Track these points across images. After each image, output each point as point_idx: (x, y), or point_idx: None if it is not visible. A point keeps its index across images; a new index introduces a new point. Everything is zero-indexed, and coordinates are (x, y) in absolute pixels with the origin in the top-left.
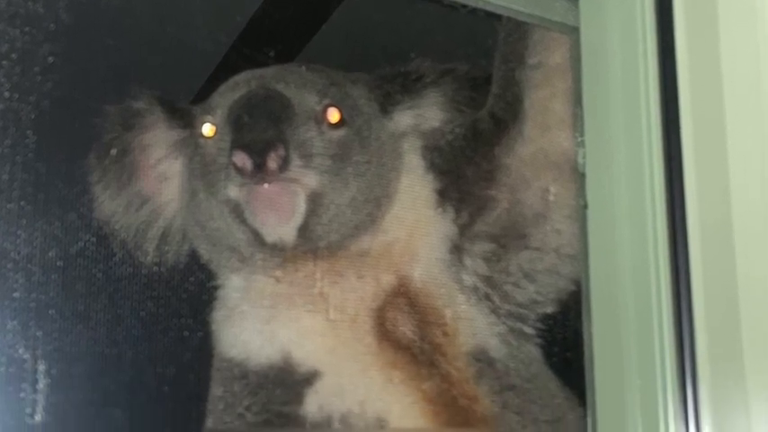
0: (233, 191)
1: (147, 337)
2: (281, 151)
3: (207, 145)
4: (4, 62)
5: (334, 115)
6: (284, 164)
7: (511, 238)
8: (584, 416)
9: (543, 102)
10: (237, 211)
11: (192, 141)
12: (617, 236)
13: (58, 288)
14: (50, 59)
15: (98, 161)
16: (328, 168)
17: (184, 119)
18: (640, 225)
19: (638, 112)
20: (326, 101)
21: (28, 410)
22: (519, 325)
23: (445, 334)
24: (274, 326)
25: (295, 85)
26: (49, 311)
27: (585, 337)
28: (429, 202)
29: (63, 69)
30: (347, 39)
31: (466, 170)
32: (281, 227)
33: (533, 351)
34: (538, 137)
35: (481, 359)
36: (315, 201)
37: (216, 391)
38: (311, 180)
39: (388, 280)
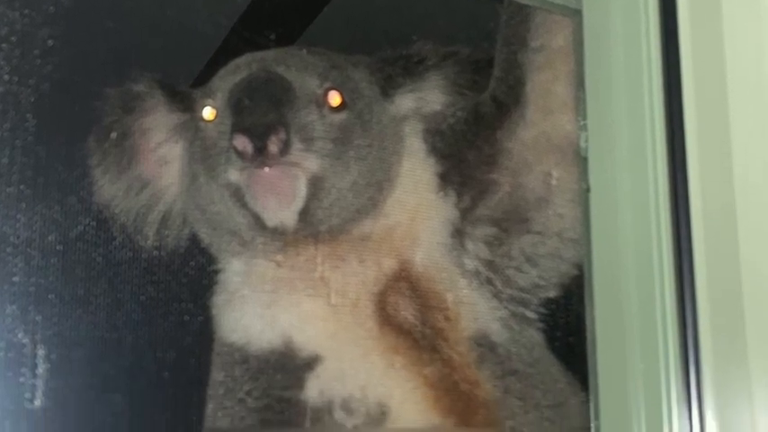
0: (233, 174)
1: (147, 322)
2: (282, 135)
3: (207, 128)
4: (3, 45)
5: (335, 98)
6: (285, 147)
7: (513, 222)
8: (587, 400)
9: (545, 85)
10: (238, 195)
11: (193, 125)
12: (619, 220)
13: (58, 272)
14: (50, 42)
15: (98, 145)
16: (329, 152)
17: (185, 102)
18: (643, 209)
19: (640, 96)
20: (327, 84)
21: (27, 395)
22: (521, 309)
23: (447, 318)
24: (275, 310)
25: (296, 68)
26: (49, 296)
27: (588, 321)
28: (430, 186)
29: (63, 52)
30: (348, 21)
31: (468, 154)
32: (282, 211)
33: (535, 336)
34: (540, 120)
35: (483, 344)
36: (316, 184)
37: (216, 375)
38: (312, 164)
39: (389, 264)
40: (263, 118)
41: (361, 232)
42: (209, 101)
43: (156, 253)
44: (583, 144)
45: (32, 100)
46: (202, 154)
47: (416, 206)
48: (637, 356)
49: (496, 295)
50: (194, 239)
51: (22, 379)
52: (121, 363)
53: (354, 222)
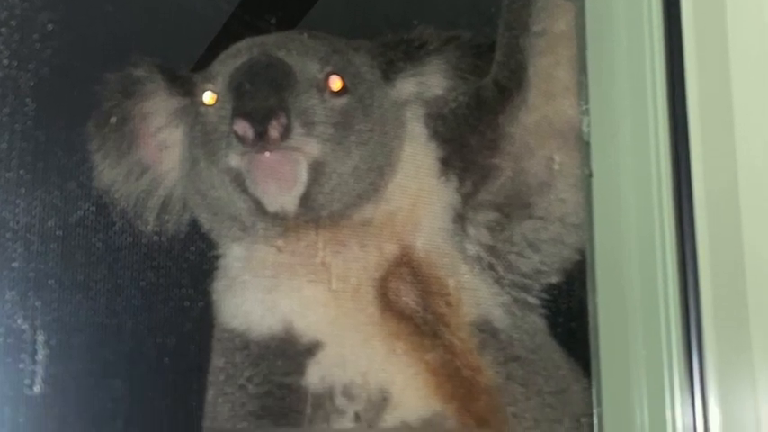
0: (234, 159)
1: (147, 308)
2: (283, 119)
3: (208, 113)
4: (2, 29)
5: (336, 83)
6: (286, 132)
7: (515, 207)
8: (589, 387)
9: (547, 69)
10: (239, 180)
11: (193, 109)
12: (622, 205)
13: (58, 258)
14: (50, 26)
15: (98, 129)
16: (330, 137)
17: (185, 87)
18: (646, 193)
19: (643, 80)
20: (329, 68)
21: (27, 381)
22: (523, 295)
23: (448, 304)
24: (276, 296)
25: (297, 52)
26: (49, 281)
27: (590, 307)
28: (432, 171)
29: (62, 36)
30: (349, 6)
31: (469, 138)
32: (283, 196)
33: (537, 321)
34: (542, 105)
35: (485, 329)
36: (317, 169)
37: (217, 361)
38: (313, 148)
39: (390, 249)
40: (264, 102)
41: (363, 217)
42: (210, 85)
43: (156, 238)
44: (585, 129)
45: (32, 85)
46: (203, 139)
47: (418, 191)
48: (639, 342)
49: (498, 281)
50: (195, 225)
51: (21, 365)
52: (121, 348)
53: (355, 207)
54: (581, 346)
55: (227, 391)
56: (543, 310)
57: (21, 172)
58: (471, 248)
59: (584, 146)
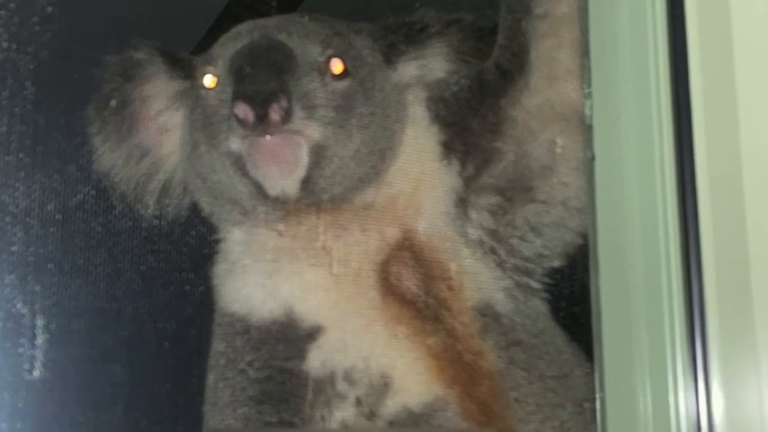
0: (235, 143)
1: (147, 292)
2: (284, 102)
3: (208, 96)
4: (2, 12)
5: (337, 66)
6: (287, 115)
7: (517, 190)
8: (592, 371)
9: (550, 52)
10: (239, 164)
11: (194, 93)
12: (625, 188)
13: (57, 242)
14: (49, 9)
15: (97, 113)
16: (332, 120)
17: (185, 70)
18: (648, 177)
19: (646, 63)
20: (330, 51)
21: (26, 366)
22: (525, 279)
23: (450, 288)
24: (277, 280)
25: (298, 35)
26: (48, 265)
27: (593, 291)
28: (434, 155)
29: (62, 19)
30: None
31: (471, 122)
32: (284, 179)
33: (540, 306)
34: (544, 88)
35: (487, 314)
36: (318, 153)
37: (217, 346)
38: (314, 132)
39: (392, 233)
40: (265, 85)
41: (364, 201)
42: (210, 68)
43: (156, 222)
44: (588, 112)
45: (31, 68)
46: (203, 122)
47: (419, 175)
48: (642, 326)
49: (500, 265)
50: (195, 208)
51: (20, 350)
52: (121, 333)
53: (357, 191)
54: (583, 331)
55: (227, 376)
56: (545, 295)
57: (20, 155)
58: (473, 232)
59: (586, 129)
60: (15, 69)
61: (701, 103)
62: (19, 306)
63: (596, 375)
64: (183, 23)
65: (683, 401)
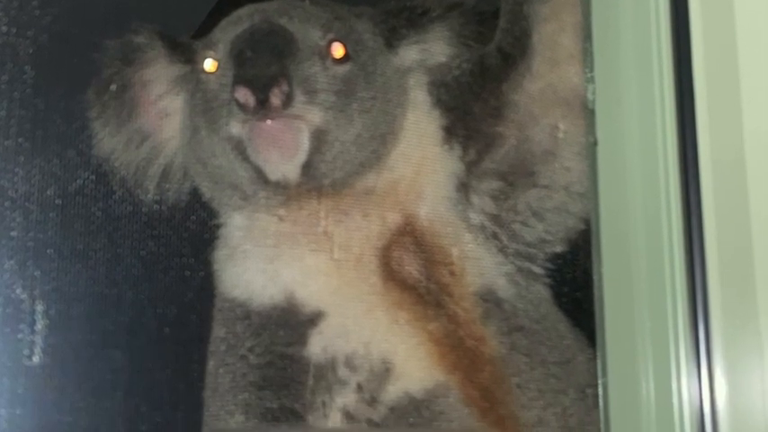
0: (235, 127)
1: (147, 277)
2: (285, 87)
3: (209, 80)
4: None
5: (338, 50)
6: (288, 100)
7: (519, 175)
8: (594, 357)
9: (552, 36)
10: (240, 148)
11: (194, 77)
12: (627, 173)
13: (57, 227)
14: None
15: (97, 97)
16: (333, 104)
17: (186, 54)
18: (651, 162)
19: (648, 47)
20: (331, 35)
21: (26, 352)
22: (527, 264)
23: (452, 273)
24: (277, 265)
25: (298, 19)
26: (48, 251)
27: (595, 276)
28: (435, 139)
29: (62, 3)
30: None
31: (473, 106)
32: (285, 164)
33: (542, 291)
34: (546, 72)
35: (489, 299)
36: (319, 137)
37: (218, 332)
38: (315, 116)
39: (393, 218)
40: (266, 70)
41: (365, 186)
42: (211, 52)
43: (156, 207)
44: (590, 96)
45: (31, 52)
46: (204, 106)
47: (421, 159)
48: (645, 312)
49: (502, 250)
50: (195, 193)
51: (20, 335)
52: (121, 318)
53: (358, 176)
54: (586, 316)
55: (228, 362)
56: (548, 280)
57: (20, 140)
58: (475, 217)
59: (588, 114)
60: (15, 53)
61: (703, 87)
62: (18, 291)
63: (599, 361)
64: (184, 7)
65: (685, 387)
